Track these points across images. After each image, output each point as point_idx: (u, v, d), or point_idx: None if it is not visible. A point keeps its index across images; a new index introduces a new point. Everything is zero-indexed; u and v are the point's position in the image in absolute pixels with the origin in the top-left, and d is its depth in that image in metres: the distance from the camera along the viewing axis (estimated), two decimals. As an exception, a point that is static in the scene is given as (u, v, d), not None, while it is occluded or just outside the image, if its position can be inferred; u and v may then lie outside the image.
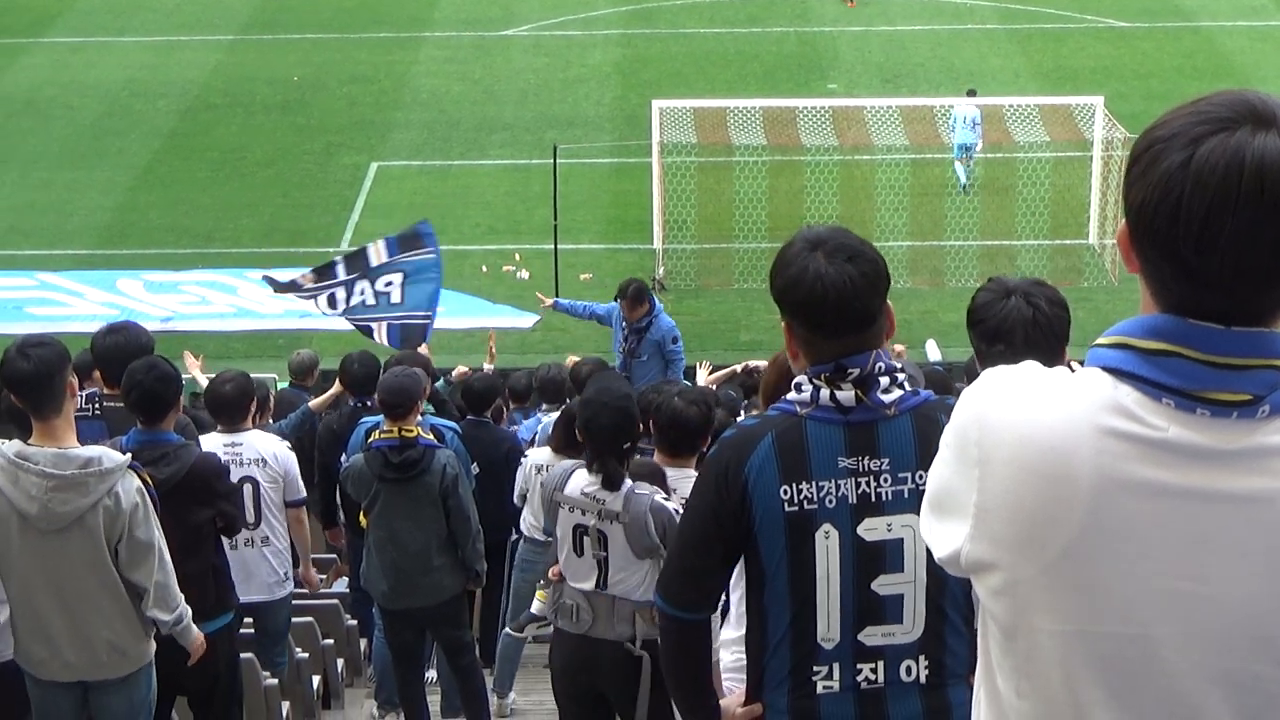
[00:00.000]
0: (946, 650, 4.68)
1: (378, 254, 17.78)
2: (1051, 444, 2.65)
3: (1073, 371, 2.75)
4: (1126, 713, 2.71)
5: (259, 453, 10.91)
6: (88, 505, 7.58)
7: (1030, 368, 2.78)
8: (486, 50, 40.97)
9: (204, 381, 14.67)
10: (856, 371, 4.54)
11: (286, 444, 11.43)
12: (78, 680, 7.97)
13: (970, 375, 6.59)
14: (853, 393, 4.54)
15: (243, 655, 9.85)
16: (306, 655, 11.50)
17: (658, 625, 5.03)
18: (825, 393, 4.55)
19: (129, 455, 7.89)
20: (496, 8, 44.31)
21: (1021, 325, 5.44)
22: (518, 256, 28.30)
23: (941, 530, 2.85)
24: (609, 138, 34.17)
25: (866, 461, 4.56)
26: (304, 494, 11.34)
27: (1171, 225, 2.56)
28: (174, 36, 42.17)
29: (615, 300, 18.20)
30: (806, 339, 4.60)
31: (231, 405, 10.87)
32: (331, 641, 12.21)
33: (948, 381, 10.15)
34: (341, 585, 13.89)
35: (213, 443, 10.54)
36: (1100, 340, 2.74)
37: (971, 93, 31.60)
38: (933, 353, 23.53)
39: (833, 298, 4.49)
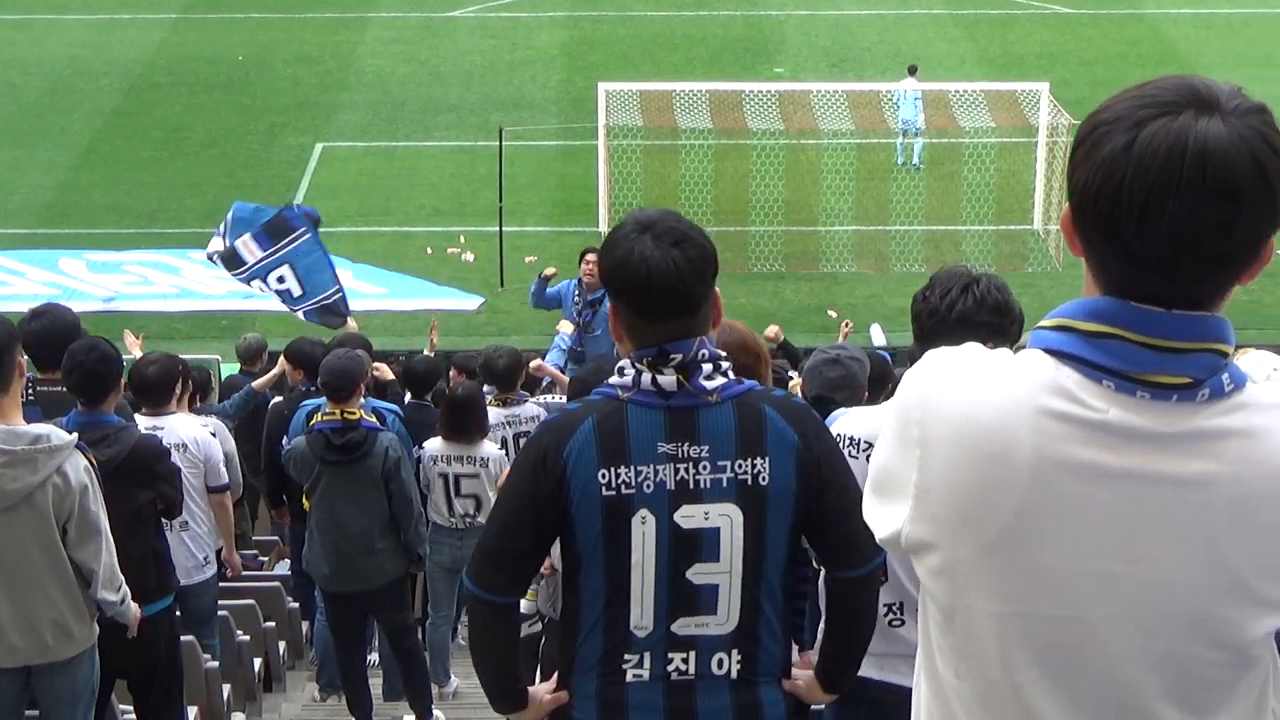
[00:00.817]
0: (760, 646, 4.63)
1: (250, 252, 17.47)
2: (992, 424, 2.66)
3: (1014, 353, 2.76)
4: (1063, 693, 2.72)
5: (180, 437, 10.76)
6: (37, 483, 7.51)
7: (972, 349, 2.78)
8: (433, 32, 40.87)
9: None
10: (679, 357, 4.48)
11: (210, 429, 11.29)
12: (22, 665, 7.91)
13: (914, 360, 6.63)
14: (674, 378, 4.48)
15: (184, 638, 9.80)
16: (248, 638, 11.45)
17: (466, 607, 4.96)
18: (647, 377, 4.49)
19: (75, 435, 7.84)
20: (443, -11, 44.25)
21: (970, 316, 5.47)
22: (463, 239, 28.25)
23: (882, 511, 2.86)
24: (555, 120, 34.13)
25: (686, 448, 4.50)
26: (225, 479, 11.19)
27: (1114, 207, 2.57)
28: (117, 15, 41.92)
29: (580, 265, 18.13)
30: (630, 322, 4.55)
31: (155, 387, 10.70)
32: (273, 624, 12.17)
33: (888, 367, 10.16)
34: (284, 568, 13.84)
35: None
36: (1042, 322, 2.74)
37: (912, 69, 31.68)
38: (877, 337, 23.64)
39: (656, 281, 4.44)
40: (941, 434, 2.71)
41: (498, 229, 26.85)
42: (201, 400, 13.64)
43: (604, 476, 4.50)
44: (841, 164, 30.50)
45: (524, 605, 9.56)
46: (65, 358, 8.75)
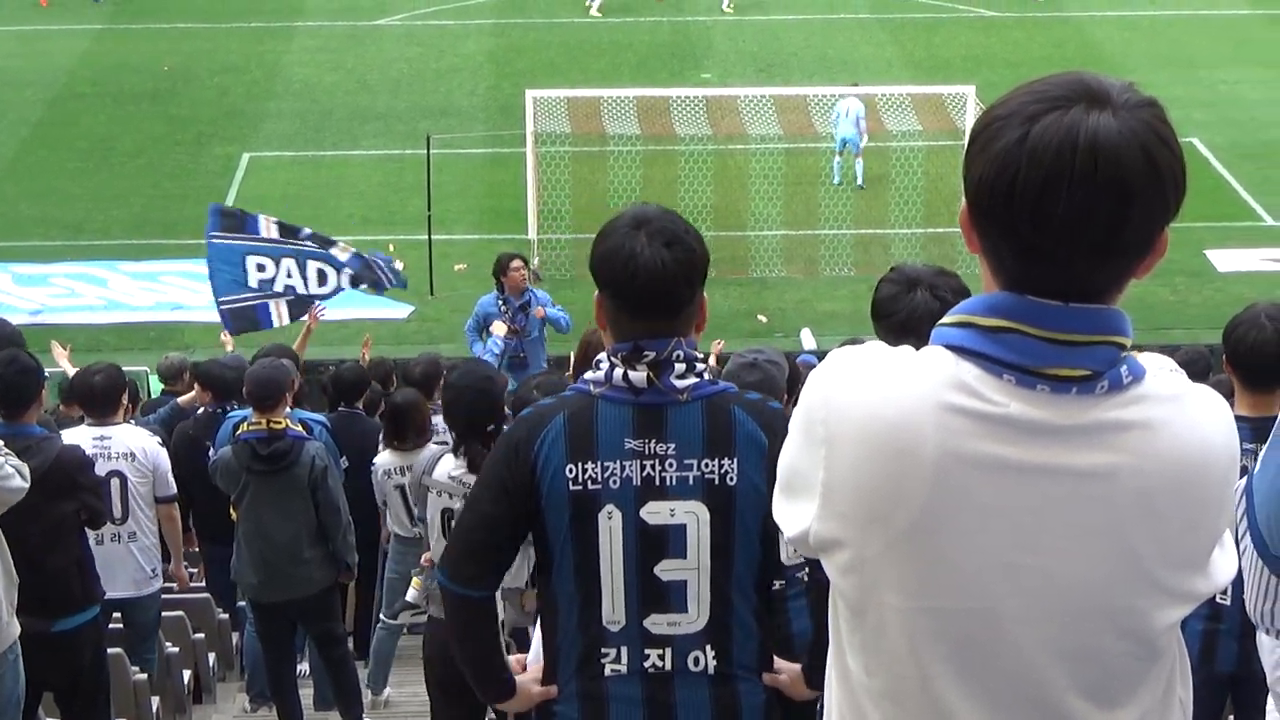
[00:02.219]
0: (734, 641, 4.67)
1: (268, 227, 17.67)
2: (895, 421, 2.68)
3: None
4: (974, 687, 2.75)
5: (128, 447, 10.75)
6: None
7: (875, 347, 2.81)
8: (359, 40, 40.76)
9: (73, 372, 14.47)
10: (653, 355, 4.53)
11: (157, 439, 11.28)
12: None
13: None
14: (645, 374, 4.52)
15: (111, 650, 9.75)
16: (177, 649, 11.40)
17: (442, 603, 5.00)
18: (619, 372, 4.54)
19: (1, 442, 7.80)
20: (369, -3, 44.14)
21: (930, 319, 5.39)
22: (391, 247, 28.05)
23: (791, 510, 2.87)
24: (483, 127, 34.09)
25: (653, 445, 4.55)
26: (174, 490, 11.17)
27: (1008, 201, 2.60)
28: (41, 25, 41.64)
29: (495, 282, 17.96)
30: (613, 315, 4.60)
31: (101, 397, 10.69)
32: (203, 635, 12.11)
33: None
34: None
35: (80, 435, 10.41)
36: (944, 319, 2.77)
37: (855, 84, 31.71)
38: (807, 341, 23.70)
39: (642, 279, 4.48)
40: (846, 432, 2.73)
41: (426, 237, 26.79)
42: (130, 412, 13.56)
43: (571, 471, 4.54)
44: (770, 169, 30.58)
45: (410, 594, 9.61)
46: (-16, 370, 8.70)
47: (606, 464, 4.55)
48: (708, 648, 4.65)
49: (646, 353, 4.53)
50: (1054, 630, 2.71)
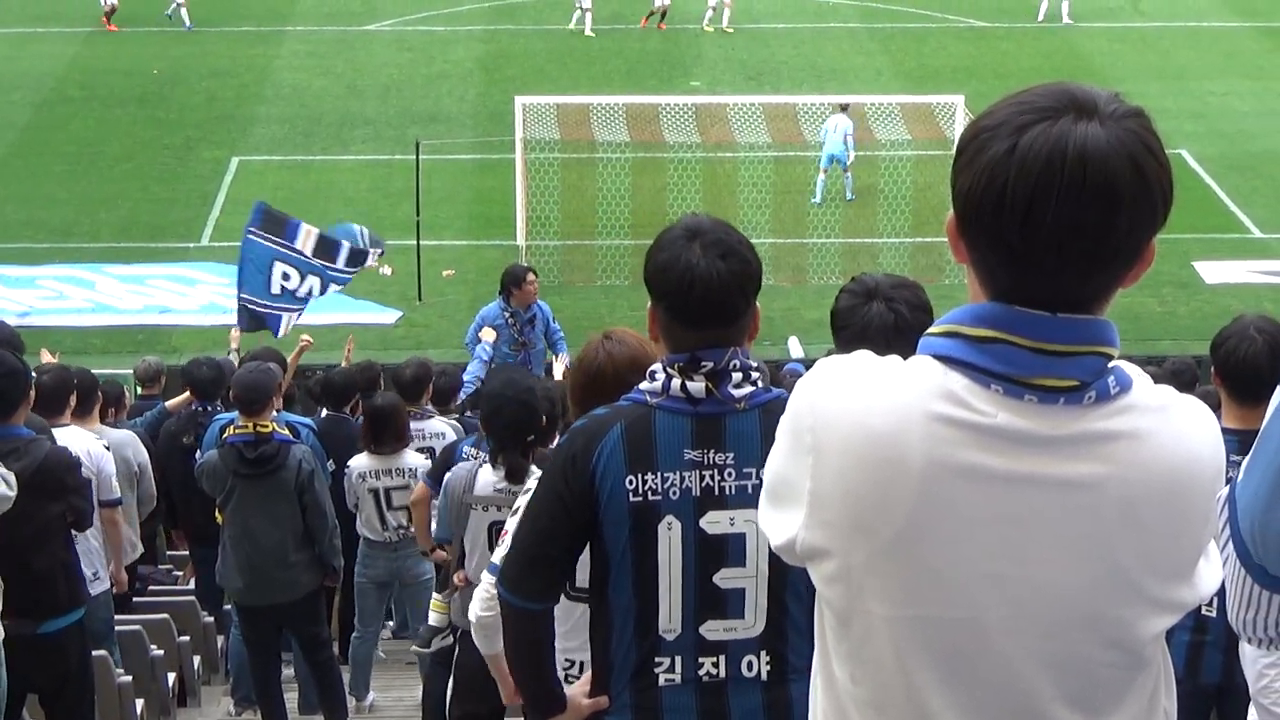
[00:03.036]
0: (788, 646, 4.68)
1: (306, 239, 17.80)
2: (883, 430, 2.68)
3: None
4: (959, 696, 2.75)
5: (72, 450, 10.60)
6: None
7: (863, 357, 2.81)
8: (349, 45, 40.77)
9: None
10: (710, 365, 4.54)
11: (104, 442, 11.12)
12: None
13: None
14: (703, 384, 4.54)
15: (96, 653, 9.74)
16: (162, 652, 11.38)
17: (500, 614, 4.99)
18: (677, 383, 4.55)
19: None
20: (359, 2, 44.14)
21: (883, 332, 5.36)
22: (380, 252, 28.13)
23: (777, 518, 2.88)
24: (472, 134, 34.10)
25: (712, 454, 4.56)
26: (118, 494, 10.98)
27: (997, 212, 2.60)
28: (29, 29, 41.63)
29: (500, 296, 17.79)
30: (668, 325, 4.60)
31: (48, 398, 10.46)
32: (187, 638, 12.09)
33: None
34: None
35: None
36: (931, 329, 2.77)
37: (843, 108, 31.70)
38: (795, 349, 23.68)
39: (699, 290, 4.49)
40: (833, 441, 2.73)
41: (415, 242, 26.78)
42: (116, 415, 13.55)
43: (631, 483, 4.55)
44: (758, 177, 30.60)
45: (433, 618, 9.52)
46: (-28, 374, 8.69)
47: (666, 474, 4.56)
48: (762, 653, 4.67)
49: (704, 363, 4.54)
50: (1040, 640, 2.71)
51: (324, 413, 13.91)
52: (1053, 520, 2.67)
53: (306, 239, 17.73)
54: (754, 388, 4.59)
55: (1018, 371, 2.66)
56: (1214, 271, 27.88)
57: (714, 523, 4.58)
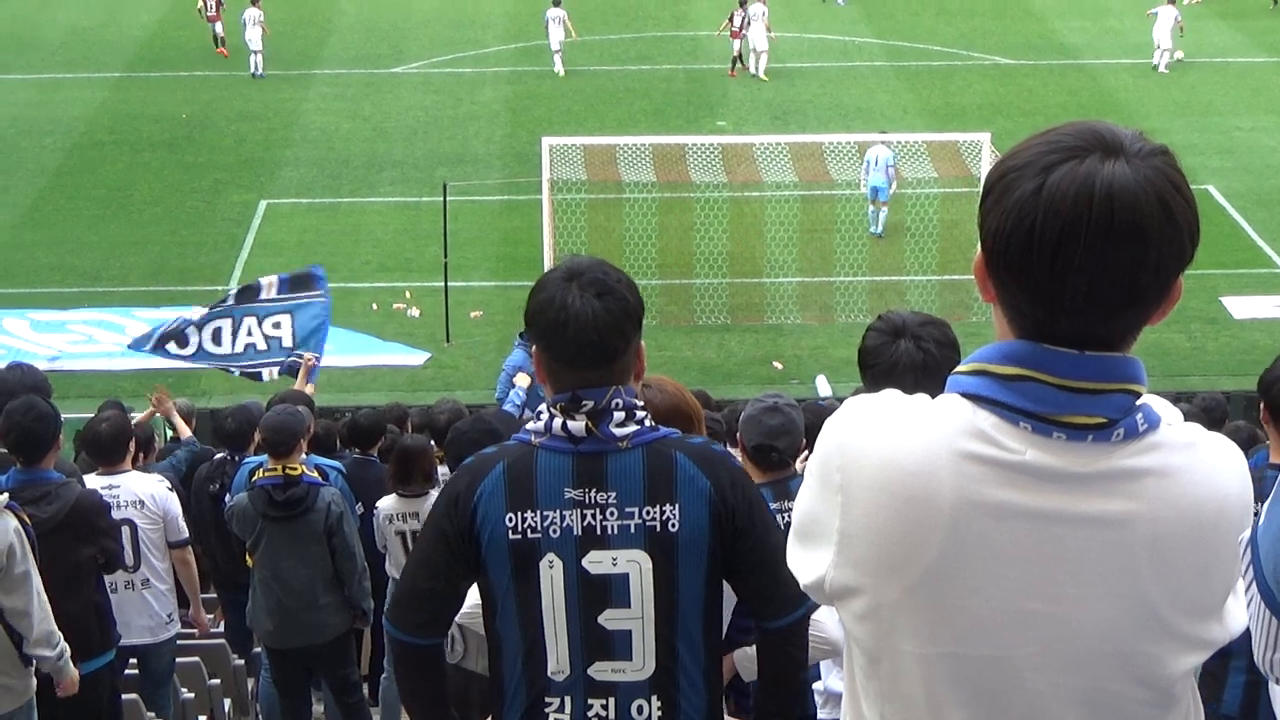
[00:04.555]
0: (679, 692, 4.64)
1: (269, 288, 17.78)
2: (912, 468, 2.69)
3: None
4: (990, 734, 2.75)
5: (136, 494, 10.71)
6: (-39, 547, 7.50)
7: (891, 395, 2.82)
8: (376, 88, 40.88)
9: (182, 426, 14.51)
10: (591, 404, 4.52)
11: (166, 484, 11.23)
12: (-43, 722, 7.88)
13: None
14: (584, 423, 4.51)
15: (126, 696, 9.75)
16: (193, 695, 11.38)
17: (389, 651, 4.97)
18: (558, 422, 4.53)
19: (6, 495, 7.81)
20: (386, 45, 44.28)
21: (911, 369, 5.35)
22: (408, 294, 28.23)
23: (806, 558, 2.88)
24: (499, 175, 34.17)
25: (593, 494, 4.54)
26: (185, 534, 11.14)
27: (1025, 252, 2.61)
28: (60, 74, 41.83)
29: (522, 340, 17.72)
30: (549, 366, 4.59)
31: (108, 445, 10.63)
32: (218, 681, 12.08)
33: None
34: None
35: (89, 485, 10.40)
36: (959, 368, 2.78)
37: (883, 132, 31.67)
38: (823, 388, 23.70)
39: (572, 330, 4.47)
40: (863, 480, 2.74)
41: (443, 284, 26.83)
42: (145, 458, 13.58)
43: (511, 520, 4.53)
44: (785, 216, 30.61)
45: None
46: (2, 418, 8.74)
47: (546, 513, 4.53)
48: (653, 698, 4.62)
49: (585, 401, 4.52)
50: (1069, 676, 2.71)
51: (352, 455, 13.91)
52: (1082, 557, 2.68)
53: (269, 288, 17.87)
54: (638, 426, 4.56)
55: (1046, 409, 2.66)
56: (1242, 307, 27.79)
57: (596, 562, 4.54)
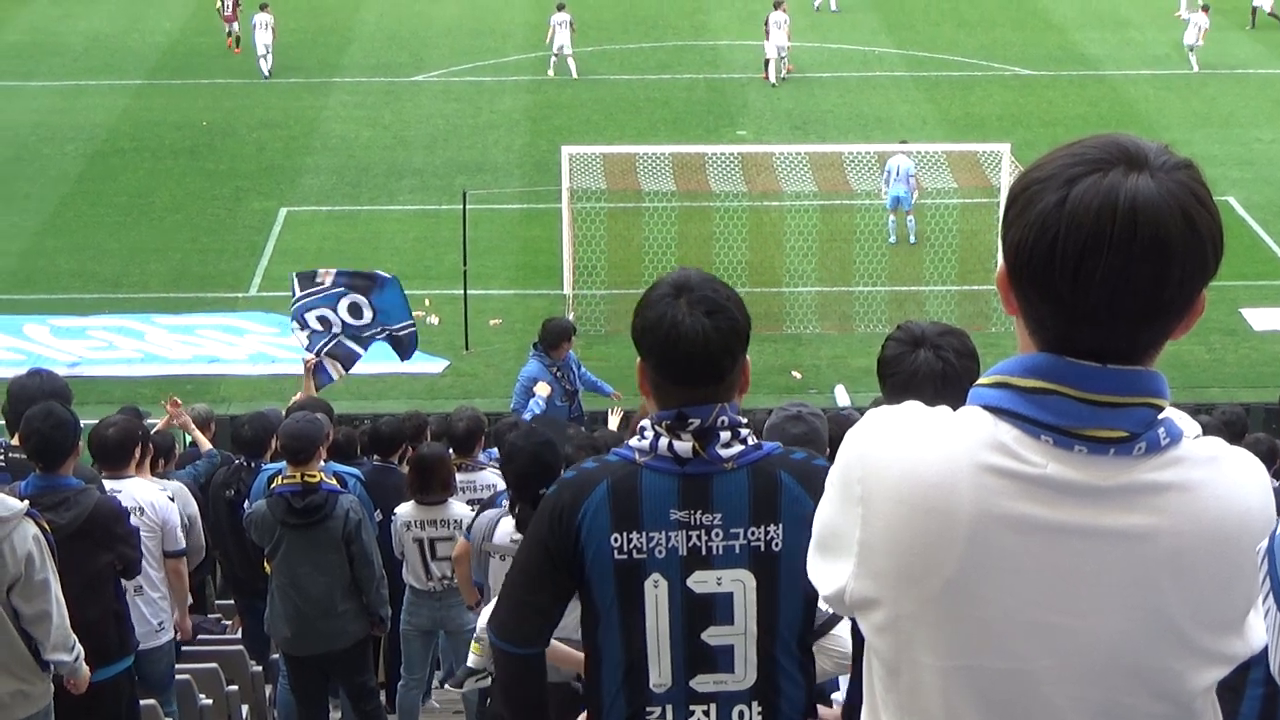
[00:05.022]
0: (780, 695, 4.67)
1: (325, 277, 17.70)
2: (932, 480, 2.68)
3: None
4: (1008, 747, 2.74)
5: (137, 501, 10.63)
6: (-19, 552, 7.52)
7: (912, 407, 2.81)
8: (396, 96, 40.95)
9: (200, 437, 14.52)
10: (697, 423, 4.50)
11: (167, 494, 11.14)
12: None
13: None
14: (690, 444, 4.50)
15: (144, 702, 9.76)
16: (210, 701, 11.38)
17: (492, 659, 4.98)
18: (664, 441, 4.52)
19: (26, 502, 7.83)
20: (406, 54, 44.33)
21: (931, 380, 5.32)
22: (428, 302, 28.22)
23: (826, 569, 2.88)
24: (519, 183, 34.19)
25: (699, 515, 4.53)
26: (182, 544, 11.05)
27: (1048, 264, 2.60)
28: (82, 81, 41.94)
29: (538, 351, 17.71)
30: (656, 382, 4.58)
31: (113, 450, 10.56)
32: (236, 688, 12.09)
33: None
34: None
35: None
36: (981, 380, 2.77)
37: (903, 141, 31.64)
38: (841, 398, 23.68)
39: (683, 349, 4.46)
40: (883, 491, 2.73)
41: (462, 292, 26.86)
42: (165, 465, 13.60)
43: (616, 540, 4.53)
44: (804, 225, 30.61)
45: (471, 659, 9.47)
46: (22, 424, 8.76)
47: (652, 534, 4.53)
48: (754, 703, 4.65)
49: (691, 420, 4.50)
50: (1088, 691, 2.71)
51: (372, 462, 13.92)
52: (1102, 571, 2.67)
53: (325, 277, 17.72)
54: (743, 446, 4.55)
55: (1068, 422, 2.66)
56: (1262, 319, 27.74)
57: (701, 582, 4.55)
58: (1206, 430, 2.82)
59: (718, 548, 4.54)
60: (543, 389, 17.20)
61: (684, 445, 4.50)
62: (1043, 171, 2.64)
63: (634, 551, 4.54)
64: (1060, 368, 2.67)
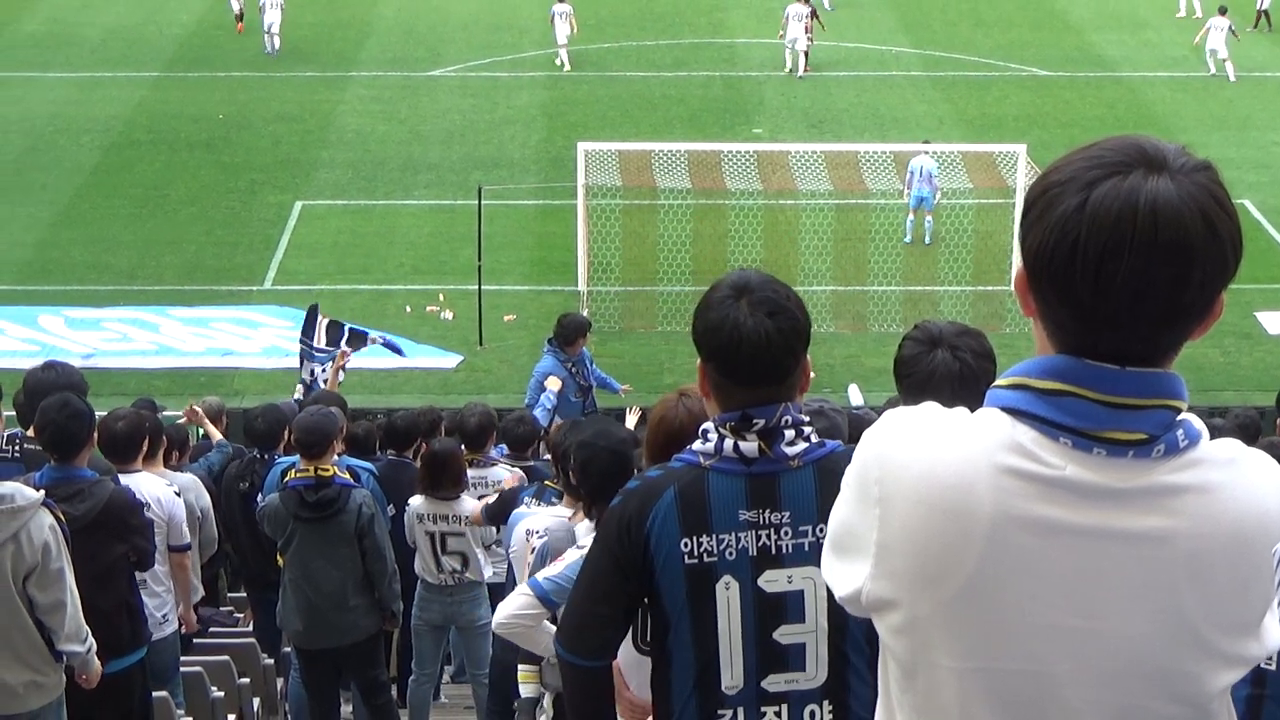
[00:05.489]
0: (850, 694, 4.68)
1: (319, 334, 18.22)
2: (951, 482, 2.68)
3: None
4: (1024, 750, 2.74)
5: (143, 496, 10.59)
6: (-1, 542, 7.54)
7: (930, 408, 2.81)
8: (413, 90, 40.94)
9: (213, 430, 14.54)
10: (762, 423, 4.53)
11: (174, 489, 11.15)
12: (-10, 716, 7.92)
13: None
14: (756, 444, 4.53)
15: (157, 694, 9.77)
16: (222, 694, 11.40)
17: (559, 673, 4.98)
18: (730, 443, 4.54)
19: (42, 492, 7.84)
20: (423, 48, 44.33)
21: (949, 380, 5.32)
22: (442, 297, 28.26)
23: (842, 570, 2.88)
24: (534, 179, 34.18)
25: (767, 514, 4.56)
26: (186, 540, 11.04)
27: (1068, 268, 2.60)
28: (99, 73, 41.98)
29: (552, 347, 17.68)
30: (718, 384, 4.59)
31: (121, 444, 10.54)
32: (247, 680, 12.11)
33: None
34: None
35: None
36: (999, 382, 2.77)
37: (926, 141, 31.59)
38: (855, 397, 23.59)
39: (747, 350, 4.49)
40: (901, 492, 2.74)
41: (477, 287, 26.85)
42: (180, 457, 13.62)
43: (686, 545, 4.55)
44: (819, 224, 30.57)
45: (526, 690, 9.25)
46: (37, 415, 8.78)
47: (722, 536, 4.55)
48: (825, 703, 4.66)
49: (756, 421, 4.53)
50: (1105, 692, 2.71)
51: (386, 456, 13.93)
52: (1120, 573, 2.67)
53: (320, 332, 18.28)
54: (807, 444, 4.58)
55: (1087, 425, 2.66)
56: (1277, 322, 27.69)
57: (771, 581, 4.57)
58: (1220, 433, 2.82)
59: (787, 546, 4.57)
60: (553, 383, 17.20)
61: (749, 445, 4.53)
62: (1062, 175, 2.64)
63: (704, 555, 4.55)
64: (1079, 370, 2.67)
